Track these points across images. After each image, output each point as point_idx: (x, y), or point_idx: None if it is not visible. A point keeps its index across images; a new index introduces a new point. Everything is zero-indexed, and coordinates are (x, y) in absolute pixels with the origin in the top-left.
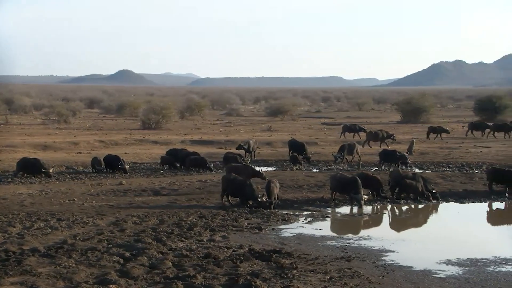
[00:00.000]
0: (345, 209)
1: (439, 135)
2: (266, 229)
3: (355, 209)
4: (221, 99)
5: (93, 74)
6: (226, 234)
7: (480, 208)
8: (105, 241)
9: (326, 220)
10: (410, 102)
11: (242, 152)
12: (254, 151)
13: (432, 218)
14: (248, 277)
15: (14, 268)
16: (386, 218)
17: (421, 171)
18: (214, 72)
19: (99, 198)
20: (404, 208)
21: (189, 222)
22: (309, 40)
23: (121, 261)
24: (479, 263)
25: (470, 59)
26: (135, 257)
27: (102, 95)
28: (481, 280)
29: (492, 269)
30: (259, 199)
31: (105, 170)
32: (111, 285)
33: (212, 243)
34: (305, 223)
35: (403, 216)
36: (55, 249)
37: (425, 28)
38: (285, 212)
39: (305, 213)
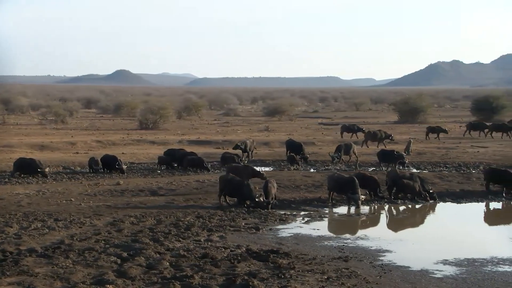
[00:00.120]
0: (342, 209)
1: (437, 135)
2: (264, 229)
3: (353, 209)
4: (219, 99)
5: (90, 74)
6: (224, 234)
7: (477, 208)
8: (103, 241)
9: (323, 220)
10: (407, 102)
11: (239, 152)
12: (252, 151)
13: (430, 218)
14: (246, 277)
15: (11, 269)
16: (383, 218)
17: (418, 171)
18: (212, 72)
19: (97, 198)
20: (401, 208)
21: (186, 222)
22: (307, 41)
23: (119, 261)
24: (476, 263)
25: (467, 59)
26: (132, 257)
27: (99, 95)
28: (478, 280)
29: (489, 269)
30: (256, 199)
31: (102, 170)
32: (108, 285)
33: (209, 243)
34: (303, 223)
35: (400, 216)
36: (52, 249)
37: (422, 29)
38: (283, 212)
39: (302, 213)
